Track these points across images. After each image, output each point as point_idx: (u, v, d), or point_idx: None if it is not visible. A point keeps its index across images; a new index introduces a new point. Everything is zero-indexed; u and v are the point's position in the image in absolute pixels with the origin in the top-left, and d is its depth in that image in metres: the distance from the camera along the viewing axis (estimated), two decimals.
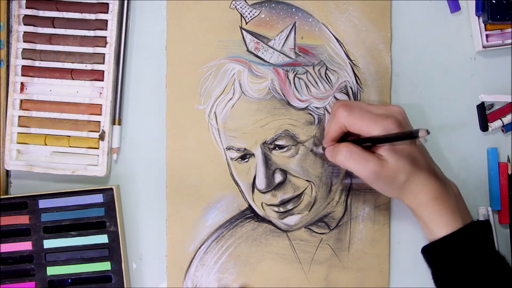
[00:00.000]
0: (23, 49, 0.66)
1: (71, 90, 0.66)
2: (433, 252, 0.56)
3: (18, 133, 0.66)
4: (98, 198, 0.65)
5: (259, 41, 0.65)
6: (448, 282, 0.55)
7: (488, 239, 0.56)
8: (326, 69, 0.65)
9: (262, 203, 0.65)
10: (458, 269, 0.54)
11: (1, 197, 0.65)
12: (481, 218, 0.65)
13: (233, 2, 0.65)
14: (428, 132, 0.49)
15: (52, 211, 0.65)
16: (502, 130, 0.65)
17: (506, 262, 0.55)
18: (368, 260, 0.65)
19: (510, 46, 0.65)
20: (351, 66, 0.65)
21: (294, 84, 0.65)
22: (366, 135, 0.55)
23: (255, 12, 0.65)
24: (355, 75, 0.65)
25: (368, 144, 0.56)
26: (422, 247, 0.57)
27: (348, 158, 0.55)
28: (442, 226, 0.55)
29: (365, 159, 0.54)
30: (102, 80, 0.65)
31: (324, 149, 0.60)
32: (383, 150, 0.55)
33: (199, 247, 0.66)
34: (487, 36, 0.64)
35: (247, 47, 0.65)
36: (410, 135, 0.53)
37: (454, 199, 0.56)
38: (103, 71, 0.65)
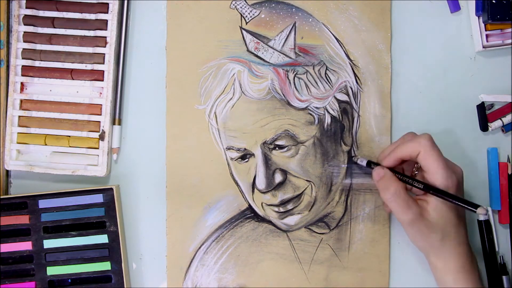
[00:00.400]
0: (23, 49, 0.66)
1: (71, 90, 0.66)
2: None
3: (18, 133, 0.66)
4: (98, 198, 0.65)
5: (259, 41, 0.65)
6: None
7: None
8: (326, 69, 0.65)
9: (262, 203, 0.65)
10: None
11: (1, 197, 0.65)
12: (481, 218, 0.65)
13: (233, 2, 0.65)
14: (486, 212, 0.51)
15: (52, 211, 0.65)
16: (502, 130, 0.65)
17: None
18: (368, 260, 0.65)
19: (510, 46, 0.65)
20: (351, 66, 0.65)
21: (294, 84, 0.65)
22: (428, 178, 0.56)
23: (255, 12, 0.65)
24: (355, 75, 0.65)
25: (420, 187, 0.57)
26: None
27: (393, 198, 0.56)
28: None
29: (408, 205, 0.56)
30: (102, 80, 0.65)
31: (371, 164, 0.61)
32: (433, 200, 0.56)
33: (199, 247, 0.66)
34: (487, 36, 0.64)
35: (247, 47, 0.65)
36: (469, 205, 0.54)
37: (477, 274, 0.58)
38: (103, 71, 0.65)
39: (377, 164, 0.61)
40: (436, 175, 0.55)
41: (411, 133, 0.60)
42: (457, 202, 0.55)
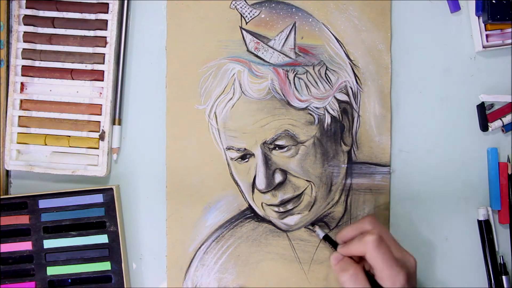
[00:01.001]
0: (23, 49, 0.66)
1: (71, 90, 0.66)
2: None
3: (18, 133, 0.66)
4: (98, 198, 0.65)
5: (259, 41, 0.65)
6: None
7: None
8: (326, 69, 0.65)
9: (262, 203, 0.65)
10: None
11: (1, 197, 0.65)
12: (481, 218, 0.65)
13: (233, 2, 0.65)
14: None
15: (52, 211, 0.65)
16: (502, 130, 0.65)
17: None
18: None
19: (510, 46, 0.65)
20: (351, 66, 0.65)
21: (294, 84, 0.65)
22: (376, 277, 0.55)
23: (255, 12, 0.65)
24: (355, 75, 0.65)
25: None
26: None
27: (351, 281, 0.56)
28: None
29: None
30: (102, 80, 0.65)
31: (327, 240, 0.61)
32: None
33: (199, 247, 0.66)
34: (487, 36, 0.64)
35: (247, 47, 0.65)
36: None
37: None
38: (103, 71, 0.65)
39: (334, 242, 0.60)
40: (382, 276, 0.55)
41: (366, 221, 0.58)
42: None
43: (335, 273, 0.58)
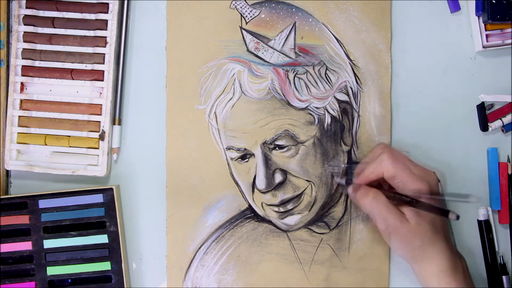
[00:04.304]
0: (23, 49, 0.66)
1: (71, 90, 0.66)
2: None
3: (18, 133, 0.66)
4: (98, 198, 0.65)
5: (259, 41, 0.65)
6: None
7: None
8: (326, 69, 0.65)
9: (262, 203, 0.65)
10: None
11: (1, 197, 0.65)
12: (481, 218, 0.65)
13: (233, 2, 0.65)
14: (457, 218, 0.51)
15: (52, 211, 0.65)
16: (502, 130, 0.65)
17: None
18: (368, 260, 0.65)
19: (510, 46, 0.65)
20: (351, 66, 0.65)
21: (294, 84, 0.65)
22: (399, 191, 0.55)
23: (255, 12, 0.65)
24: (355, 75, 0.65)
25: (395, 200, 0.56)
26: None
27: (373, 205, 0.56)
28: None
29: (388, 211, 0.55)
30: (102, 80, 0.65)
31: (348, 183, 0.61)
32: (408, 210, 0.56)
33: (199, 247, 0.65)
34: (487, 36, 0.64)
35: (247, 47, 0.65)
36: (441, 212, 0.54)
37: (462, 275, 0.57)
38: (103, 71, 0.65)
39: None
40: (405, 185, 0.55)
41: (378, 148, 0.59)
42: (428, 210, 0.55)
43: (356, 203, 0.58)
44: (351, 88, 0.65)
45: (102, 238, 0.65)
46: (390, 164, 0.56)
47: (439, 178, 0.58)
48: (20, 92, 0.66)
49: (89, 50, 0.65)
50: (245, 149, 0.65)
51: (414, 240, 0.56)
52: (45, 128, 0.66)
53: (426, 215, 0.56)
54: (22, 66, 0.66)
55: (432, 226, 0.56)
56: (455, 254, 0.58)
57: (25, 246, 0.65)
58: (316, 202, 0.65)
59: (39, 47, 0.66)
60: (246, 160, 0.65)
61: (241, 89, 0.65)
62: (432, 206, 0.55)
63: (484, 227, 0.64)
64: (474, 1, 0.64)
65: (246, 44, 0.65)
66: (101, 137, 0.65)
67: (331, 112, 0.65)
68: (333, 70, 0.65)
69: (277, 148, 0.64)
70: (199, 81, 0.65)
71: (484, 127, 0.65)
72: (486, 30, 0.64)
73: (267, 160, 0.64)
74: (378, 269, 0.65)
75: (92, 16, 0.65)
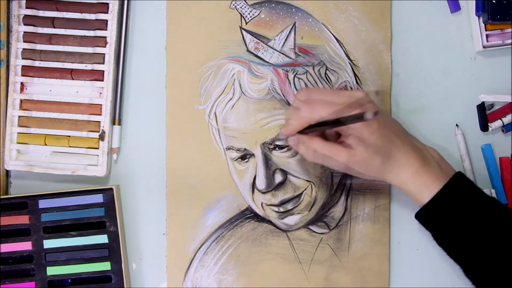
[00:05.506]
0: (23, 49, 0.66)
1: (71, 90, 0.66)
2: (426, 215, 0.57)
3: (18, 133, 0.66)
4: (98, 198, 0.65)
5: (259, 41, 0.65)
6: (448, 238, 0.56)
7: (473, 185, 0.57)
8: (326, 69, 0.65)
9: (262, 203, 0.65)
10: (454, 222, 0.55)
11: (1, 197, 0.65)
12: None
13: (233, 2, 0.65)
14: (375, 114, 0.47)
15: (52, 211, 0.65)
16: (502, 130, 0.65)
17: (497, 201, 0.58)
18: (368, 260, 0.65)
19: (510, 46, 0.65)
20: (351, 66, 0.65)
21: (294, 84, 0.65)
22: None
23: (255, 12, 0.65)
24: (355, 75, 0.65)
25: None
26: (415, 214, 0.57)
27: (317, 156, 0.56)
28: (430, 195, 0.55)
29: (334, 153, 0.55)
30: (102, 80, 0.65)
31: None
32: (351, 139, 0.55)
33: (199, 248, 0.65)
34: (487, 36, 0.64)
35: (247, 47, 0.65)
36: (358, 118, 0.50)
37: (436, 166, 0.57)
38: (103, 71, 0.65)
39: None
40: (319, 113, 0.54)
41: (294, 106, 0.57)
42: (351, 122, 0.51)
43: (299, 152, 0.58)
44: (351, 88, 0.65)
45: (102, 238, 0.65)
46: (309, 112, 0.55)
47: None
48: (20, 92, 0.66)
49: (89, 50, 0.65)
50: (245, 149, 0.65)
51: (372, 162, 0.55)
52: (45, 128, 0.66)
53: (371, 135, 0.54)
54: (22, 66, 0.66)
55: (385, 140, 0.55)
56: (420, 150, 0.57)
57: (25, 246, 0.65)
58: (316, 202, 0.65)
59: (39, 47, 0.66)
60: (246, 160, 0.65)
61: (241, 89, 0.65)
62: (347, 117, 0.52)
63: None
64: (474, 1, 0.64)
65: (246, 44, 0.65)
66: (101, 137, 0.65)
67: None
68: (333, 70, 0.65)
69: (277, 148, 0.64)
70: (199, 81, 0.65)
71: (484, 127, 0.65)
72: (486, 30, 0.64)
73: (267, 160, 0.64)
74: (378, 269, 0.65)
75: (92, 16, 0.65)
